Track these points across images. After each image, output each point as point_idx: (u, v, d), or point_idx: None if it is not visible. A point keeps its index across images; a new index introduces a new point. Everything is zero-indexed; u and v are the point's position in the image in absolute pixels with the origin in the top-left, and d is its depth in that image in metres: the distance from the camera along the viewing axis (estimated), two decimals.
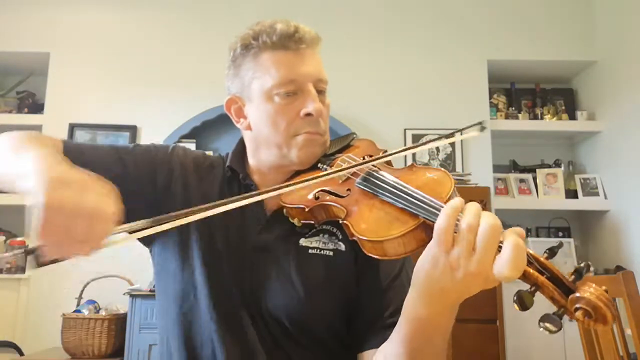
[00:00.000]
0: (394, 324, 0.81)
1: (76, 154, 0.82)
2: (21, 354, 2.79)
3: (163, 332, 0.94)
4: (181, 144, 1.03)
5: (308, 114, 0.89)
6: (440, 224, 0.61)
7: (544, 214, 3.36)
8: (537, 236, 3.38)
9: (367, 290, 0.89)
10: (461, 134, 0.83)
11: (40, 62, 3.30)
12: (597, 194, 3.27)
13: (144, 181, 0.92)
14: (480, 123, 0.82)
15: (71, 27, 3.36)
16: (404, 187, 0.74)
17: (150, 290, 2.52)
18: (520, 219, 3.36)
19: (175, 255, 0.91)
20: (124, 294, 2.56)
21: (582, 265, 0.59)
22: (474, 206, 0.62)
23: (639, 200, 2.96)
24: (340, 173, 0.82)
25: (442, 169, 0.81)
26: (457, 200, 0.63)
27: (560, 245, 0.62)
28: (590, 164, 3.45)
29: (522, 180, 3.37)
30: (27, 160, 0.66)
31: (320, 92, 0.92)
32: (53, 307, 2.82)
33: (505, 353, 2.66)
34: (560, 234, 3.33)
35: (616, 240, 3.13)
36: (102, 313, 2.61)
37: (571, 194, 3.30)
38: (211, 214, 0.68)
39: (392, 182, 0.76)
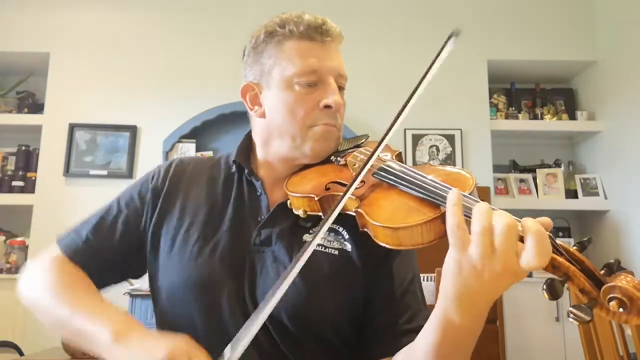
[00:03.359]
0: (410, 331, 0.80)
1: (87, 258, 0.91)
2: (21, 354, 2.79)
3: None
4: (162, 164, 1.02)
5: (327, 106, 0.88)
6: (449, 223, 0.60)
7: (544, 214, 3.23)
8: None
9: (380, 295, 0.86)
10: (438, 58, 0.79)
11: (40, 62, 3.31)
12: (597, 194, 3.27)
13: (140, 227, 0.94)
14: (451, 33, 0.77)
15: (71, 27, 3.36)
16: (425, 176, 0.71)
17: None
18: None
19: (170, 253, 0.90)
20: (123, 294, 2.56)
21: (612, 261, 0.57)
22: (482, 207, 0.59)
23: (639, 200, 2.96)
24: (372, 160, 0.77)
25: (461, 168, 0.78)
26: (455, 194, 0.61)
27: (590, 240, 0.60)
28: (590, 164, 3.45)
29: (522, 180, 3.37)
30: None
31: (340, 89, 0.91)
32: None
33: (505, 353, 2.66)
34: (560, 234, 3.33)
35: (616, 240, 3.13)
36: None
37: (571, 194, 3.30)
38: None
39: (412, 173, 0.74)
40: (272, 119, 0.91)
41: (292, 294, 0.81)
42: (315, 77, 0.88)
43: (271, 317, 0.81)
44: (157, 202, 0.94)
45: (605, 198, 3.25)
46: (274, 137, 0.92)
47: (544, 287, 0.55)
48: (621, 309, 0.52)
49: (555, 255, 0.56)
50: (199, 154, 3.19)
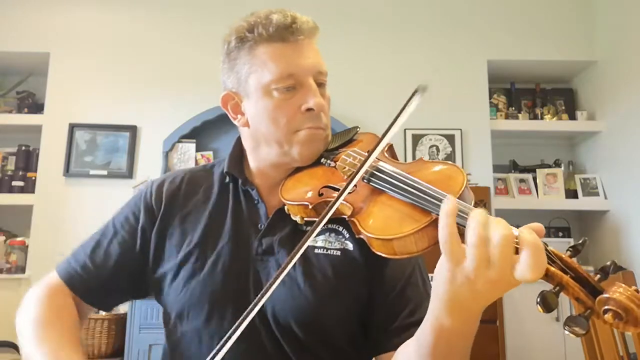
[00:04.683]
0: (412, 324, 0.79)
1: (84, 284, 0.92)
2: None
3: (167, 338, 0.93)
4: (155, 179, 1.02)
5: (309, 109, 0.85)
6: (441, 235, 0.58)
7: (544, 214, 3.35)
8: None
9: (381, 290, 0.86)
10: (405, 109, 0.75)
11: (40, 62, 3.30)
12: (597, 194, 3.27)
13: (137, 247, 0.93)
14: (416, 89, 0.74)
15: (71, 27, 3.36)
16: (415, 182, 0.70)
17: None
18: (520, 219, 3.34)
19: (174, 272, 0.90)
20: None
21: (608, 263, 0.55)
22: (478, 215, 0.57)
23: (639, 200, 2.96)
24: (362, 172, 0.76)
25: (452, 163, 0.76)
26: (450, 204, 0.59)
27: (584, 242, 0.58)
28: (590, 164, 3.45)
29: (522, 180, 3.37)
30: None
31: (321, 85, 0.89)
32: None
33: (505, 353, 2.66)
34: (560, 234, 3.33)
35: (616, 240, 3.13)
36: (102, 313, 2.60)
37: (571, 194, 3.30)
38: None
39: (401, 177, 0.73)
40: (256, 127, 0.89)
41: (298, 301, 0.82)
42: (293, 80, 0.85)
43: (278, 324, 0.82)
44: (154, 222, 0.93)
45: (605, 198, 3.25)
46: (261, 145, 0.91)
47: (538, 300, 0.54)
48: (617, 319, 0.52)
49: (548, 265, 0.55)
50: (198, 154, 3.20)
